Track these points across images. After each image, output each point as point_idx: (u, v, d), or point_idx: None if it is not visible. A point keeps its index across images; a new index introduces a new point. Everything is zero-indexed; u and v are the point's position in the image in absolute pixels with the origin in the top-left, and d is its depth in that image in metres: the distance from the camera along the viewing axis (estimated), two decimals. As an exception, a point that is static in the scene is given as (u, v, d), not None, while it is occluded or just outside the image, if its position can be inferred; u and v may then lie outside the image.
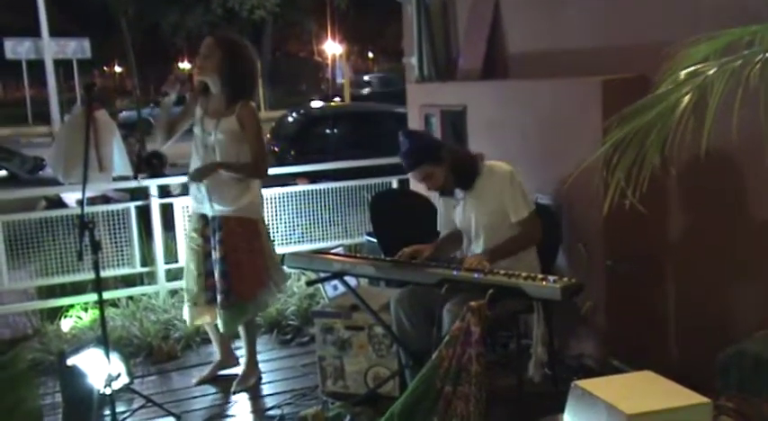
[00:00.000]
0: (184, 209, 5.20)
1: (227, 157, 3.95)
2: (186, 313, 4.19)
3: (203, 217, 4.08)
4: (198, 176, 3.99)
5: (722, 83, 2.31)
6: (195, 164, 4.07)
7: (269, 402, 4.02)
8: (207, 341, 4.63)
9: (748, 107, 2.29)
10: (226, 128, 3.93)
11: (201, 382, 4.28)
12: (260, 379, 4.29)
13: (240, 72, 3.96)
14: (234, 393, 4.13)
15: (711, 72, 2.37)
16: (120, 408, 3.81)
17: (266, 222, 4.29)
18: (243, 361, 4.29)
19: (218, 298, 4.00)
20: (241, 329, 4.22)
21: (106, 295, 4.29)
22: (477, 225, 3.71)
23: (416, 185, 5.36)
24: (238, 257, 3.98)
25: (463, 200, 3.75)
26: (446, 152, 3.69)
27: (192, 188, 4.09)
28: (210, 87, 4.01)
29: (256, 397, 4.13)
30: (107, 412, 3.70)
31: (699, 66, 2.42)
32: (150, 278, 5.50)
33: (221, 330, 4.14)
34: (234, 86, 3.95)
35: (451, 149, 3.77)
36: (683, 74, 2.45)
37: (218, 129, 3.94)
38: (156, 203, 5.37)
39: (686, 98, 2.39)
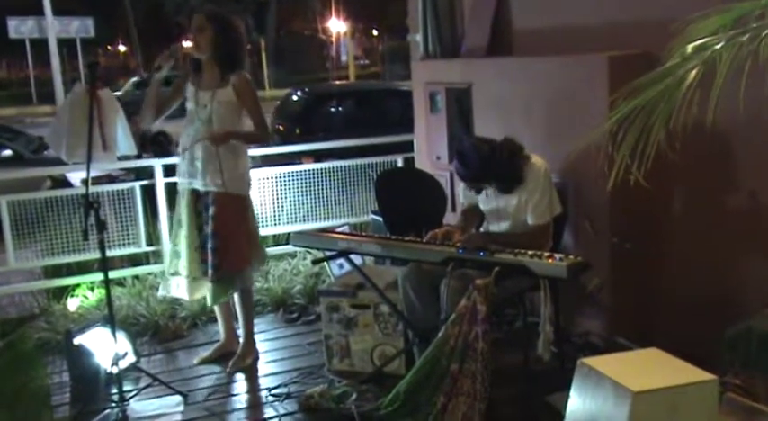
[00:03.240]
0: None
1: (224, 128, 3.97)
2: (183, 289, 4.16)
3: (194, 192, 4.09)
4: (218, 141, 3.92)
5: (730, 57, 2.28)
6: (186, 140, 4.08)
7: (275, 380, 4.03)
8: (213, 320, 4.64)
9: (755, 82, 2.26)
10: (222, 98, 3.97)
11: (203, 362, 4.29)
12: (257, 358, 4.30)
13: (232, 45, 4.03)
14: (230, 373, 4.14)
15: (719, 46, 2.35)
16: (126, 387, 3.82)
17: (253, 201, 4.28)
18: (241, 340, 4.30)
19: (209, 271, 4.03)
20: (238, 309, 4.24)
21: (112, 274, 4.29)
22: (503, 211, 3.73)
23: (425, 164, 5.35)
24: (227, 232, 4.01)
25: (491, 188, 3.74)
26: (497, 174, 3.62)
27: (185, 164, 4.09)
28: (204, 63, 4.04)
29: (262, 375, 4.14)
30: (114, 390, 3.72)
31: (707, 39, 2.39)
32: (156, 257, 5.51)
33: (208, 303, 4.18)
34: (227, 59, 4.01)
35: (505, 169, 3.62)
36: (690, 48, 2.42)
37: (214, 101, 3.97)
38: (161, 182, 5.37)
39: (693, 72, 2.37)
